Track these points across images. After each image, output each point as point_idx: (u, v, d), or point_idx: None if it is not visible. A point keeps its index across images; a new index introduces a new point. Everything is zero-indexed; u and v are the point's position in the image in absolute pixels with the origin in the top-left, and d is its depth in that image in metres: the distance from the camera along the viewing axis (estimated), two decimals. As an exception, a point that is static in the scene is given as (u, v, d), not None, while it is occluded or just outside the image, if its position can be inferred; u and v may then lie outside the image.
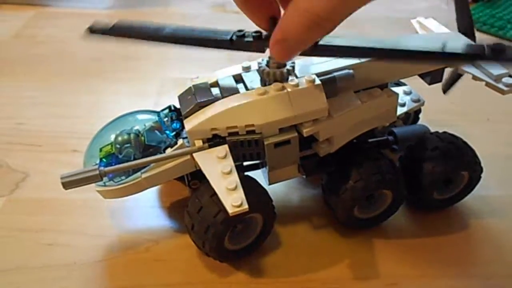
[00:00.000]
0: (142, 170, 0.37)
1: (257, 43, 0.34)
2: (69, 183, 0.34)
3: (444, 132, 0.43)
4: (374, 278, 0.39)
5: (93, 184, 0.37)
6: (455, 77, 0.42)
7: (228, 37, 0.34)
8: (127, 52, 0.70)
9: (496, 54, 0.29)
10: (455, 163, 0.40)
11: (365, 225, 0.42)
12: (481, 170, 0.42)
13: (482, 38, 0.42)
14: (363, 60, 0.38)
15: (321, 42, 0.32)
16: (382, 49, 0.32)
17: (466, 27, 0.41)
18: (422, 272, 0.40)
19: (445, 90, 0.42)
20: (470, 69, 0.40)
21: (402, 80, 0.48)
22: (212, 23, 0.79)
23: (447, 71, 0.42)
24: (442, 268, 0.40)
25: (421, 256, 0.41)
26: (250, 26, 0.35)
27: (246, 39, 0.34)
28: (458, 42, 0.32)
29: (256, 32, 0.34)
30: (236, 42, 0.34)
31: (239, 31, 0.34)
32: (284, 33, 0.29)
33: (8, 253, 0.41)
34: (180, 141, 0.37)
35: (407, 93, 0.48)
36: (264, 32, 0.34)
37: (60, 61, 0.68)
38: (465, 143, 0.42)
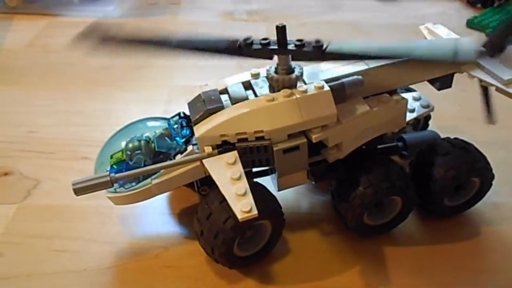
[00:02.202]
0: (153, 177, 0.38)
1: (264, 51, 0.34)
2: (80, 189, 0.35)
3: (456, 138, 0.43)
4: (383, 286, 0.39)
5: (104, 191, 0.37)
6: (486, 96, 0.40)
7: (236, 45, 0.34)
8: (137, 60, 0.71)
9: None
10: (467, 169, 0.40)
11: (375, 232, 0.42)
12: (493, 176, 0.42)
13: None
14: (372, 66, 0.38)
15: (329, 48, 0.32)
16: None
17: None
18: (432, 280, 0.39)
19: (490, 118, 0.41)
20: (479, 74, 0.39)
21: (412, 86, 0.48)
22: (221, 31, 0.80)
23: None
24: (453, 276, 0.39)
25: (431, 264, 0.40)
26: (259, 35, 0.35)
27: (254, 46, 0.34)
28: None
29: (263, 39, 0.34)
30: (244, 49, 0.34)
31: (247, 38, 0.34)
32: None
33: (19, 259, 0.41)
34: (190, 148, 0.38)
35: (416, 99, 0.48)
36: (272, 39, 0.34)
37: (72, 70, 0.69)
38: (476, 149, 0.42)
